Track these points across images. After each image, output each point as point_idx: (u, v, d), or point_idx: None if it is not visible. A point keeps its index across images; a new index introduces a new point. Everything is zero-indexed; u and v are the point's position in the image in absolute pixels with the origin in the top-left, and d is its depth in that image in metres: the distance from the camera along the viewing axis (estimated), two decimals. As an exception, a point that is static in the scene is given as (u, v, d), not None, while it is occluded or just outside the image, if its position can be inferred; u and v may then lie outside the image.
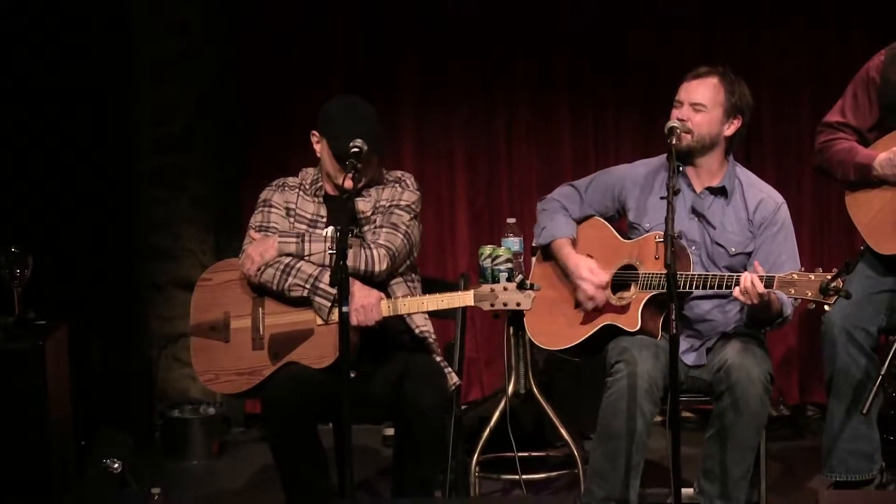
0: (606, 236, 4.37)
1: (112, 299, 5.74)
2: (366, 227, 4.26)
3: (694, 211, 4.29)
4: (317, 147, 4.29)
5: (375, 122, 4.20)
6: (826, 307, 3.87)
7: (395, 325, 4.24)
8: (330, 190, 4.31)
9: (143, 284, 5.91)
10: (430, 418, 4.03)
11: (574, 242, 4.39)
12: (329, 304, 4.09)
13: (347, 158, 4.02)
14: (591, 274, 4.25)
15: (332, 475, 4.19)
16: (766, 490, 4.34)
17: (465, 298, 4.08)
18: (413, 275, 4.34)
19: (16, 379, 4.44)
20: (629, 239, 4.33)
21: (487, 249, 4.64)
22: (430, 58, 5.87)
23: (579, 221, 4.44)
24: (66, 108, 5.59)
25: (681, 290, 4.02)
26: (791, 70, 5.76)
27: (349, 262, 3.88)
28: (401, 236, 4.21)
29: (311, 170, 4.38)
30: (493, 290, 4.03)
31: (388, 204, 4.26)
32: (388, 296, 4.18)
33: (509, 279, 4.37)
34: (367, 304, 4.07)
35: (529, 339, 4.49)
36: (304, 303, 4.15)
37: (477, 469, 4.71)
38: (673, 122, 4.18)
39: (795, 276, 3.90)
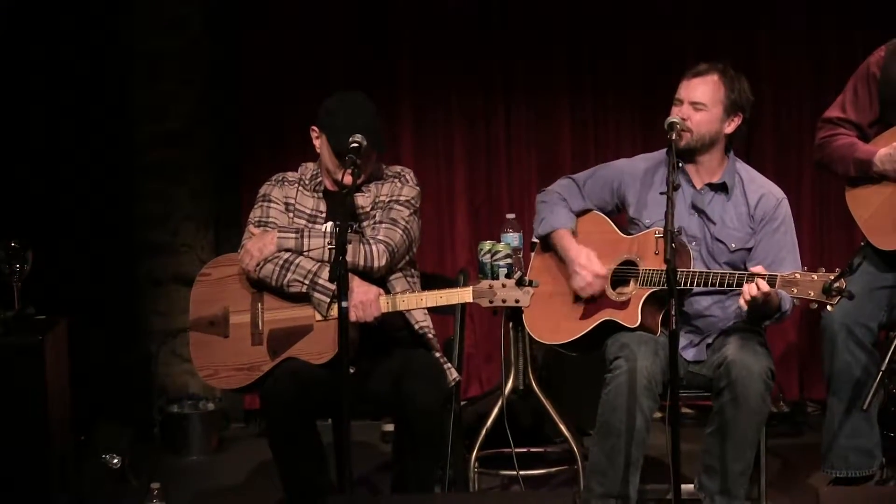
0: (606, 231, 4.36)
1: (111, 295, 5.74)
2: (365, 223, 4.25)
3: (694, 207, 4.28)
4: (316, 142, 4.28)
5: (375, 117, 4.20)
6: (829, 307, 3.86)
7: (395, 321, 4.23)
8: (329, 185, 4.30)
9: (142, 280, 5.91)
10: (430, 414, 4.03)
11: (574, 234, 4.38)
12: (328, 300, 4.09)
13: (347, 154, 4.01)
14: (589, 262, 4.24)
15: (331, 471, 4.19)
16: (765, 486, 4.34)
17: (463, 295, 4.07)
18: (412, 270, 4.34)
19: (15, 374, 4.43)
20: (629, 234, 4.33)
21: (487, 245, 4.63)
22: (429, 53, 5.87)
23: (578, 215, 4.43)
24: (66, 103, 5.59)
25: (681, 287, 4.02)
26: (791, 66, 5.75)
27: (348, 258, 3.88)
28: (400, 232, 4.21)
29: (310, 165, 4.37)
30: (491, 287, 4.03)
31: (388, 199, 4.26)
32: (388, 291, 4.18)
33: (508, 275, 4.36)
34: (366, 301, 4.06)
35: (528, 334, 4.48)
36: (303, 298, 4.14)
37: (476, 465, 4.70)
38: (673, 118, 4.16)
39: (798, 276, 3.89)
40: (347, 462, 3.77)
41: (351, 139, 4.03)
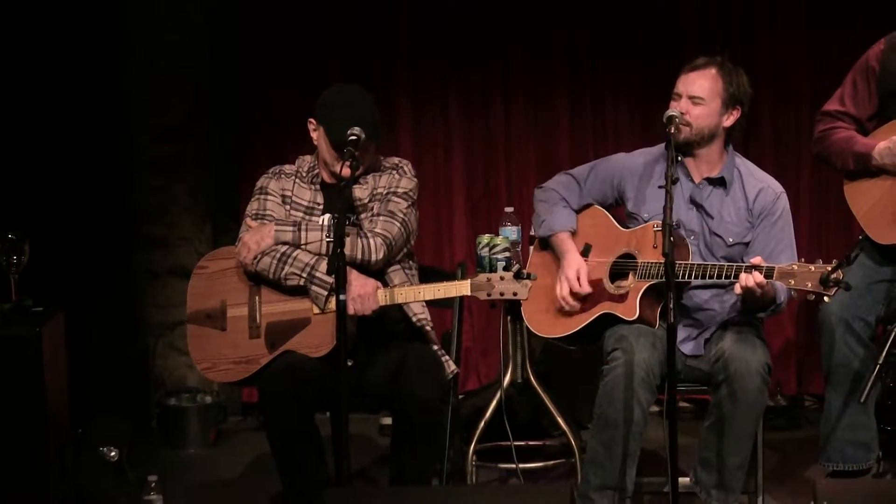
0: (605, 225, 4.37)
1: (109, 287, 5.74)
2: (363, 215, 4.24)
3: (692, 201, 4.28)
4: (314, 135, 4.27)
5: (373, 110, 4.19)
6: (826, 298, 3.86)
7: (393, 314, 4.23)
8: (327, 178, 4.30)
9: (139, 273, 5.91)
10: (428, 407, 4.03)
11: (573, 234, 4.38)
12: (326, 293, 4.08)
13: (345, 146, 4.01)
14: (575, 279, 4.24)
15: (329, 464, 4.18)
16: (762, 480, 4.34)
17: (461, 288, 4.07)
18: (410, 262, 4.33)
19: (12, 366, 4.43)
20: (627, 228, 4.33)
21: (485, 238, 4.62)
22: (427, 46, 5.85)
23: (578, 211, 4.43)
24: (63, 96, 5.58)
25: (679, 279, 4.02)
26: (790, 58, 5.75)
27: (346, 251, 3.88)
28: (398, 224, 4.20)
29: (307, 157, 4.37)
30: (489, 280, 4.02)
31: (386, 191, 4.25)
32: (385, 283, 4.18)
33: (507, 268, 4.36)
34: (363, 294, 4.06)
35: (527, 327, 4.49)
36: (300, 291, 4.14)
37: (474, 458, 4.71)
38: (672, 112, 4.16)
39: (795, 268, 3.89)
40: (345, 455, 3.76)
41: (349, 131, 4.02)
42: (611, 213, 4.40)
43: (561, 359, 5.24)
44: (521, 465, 4.71)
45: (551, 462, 4.94)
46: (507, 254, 4.58)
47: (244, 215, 4.31)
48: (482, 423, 4.70)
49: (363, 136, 4.03)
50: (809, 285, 3.85)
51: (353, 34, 5.83)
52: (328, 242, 4.10)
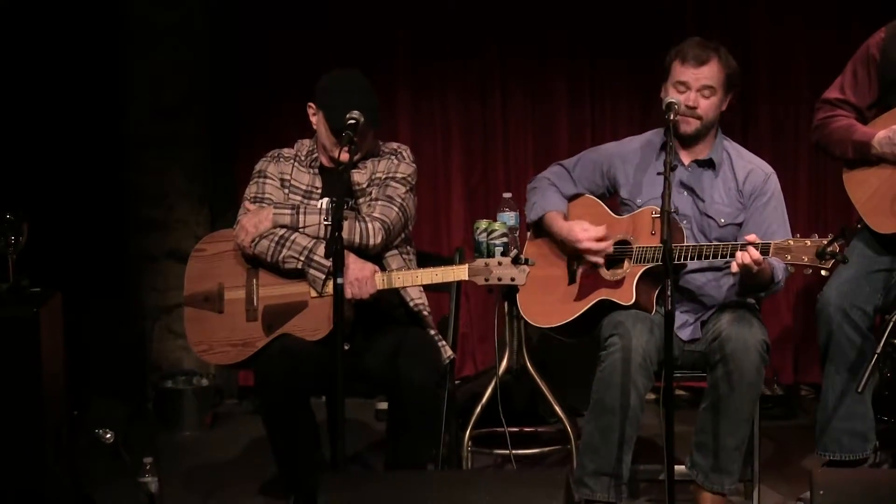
0: (599, 213, 4.35)
1: (106, 270, 5.73)
2: (361, 200, 4.24)
3: (682, 184, 4.28)
4: (313, 119, 4.26)
5: (372, 95, 4.18)
6: (823, 272, 3.85)
7: (390, 299, 4.22)
8: (325, 161, 4.29)
9: (136, 255, 5.90)
10: (424, 392, 4.03)
11: (565, 217, 4.36)
12: (323, 277, 4.08)
13: (344, 130, 4.00)
14: (586, 231, 4.23)
15: (324, 448, 4.18)
16: (759, 469, 4.34)
17: (459, 272, 4.06)
18: (408, 247, 4.33)
19: (9, 346, 4.42)
20: (620, 216, 4.32)
21: (483, 224, 4.62)
22: (426, 32, 5.85)
23: (570, 199, 4.42)
24: (60, 78, 5.56)
25: (676, 262, 4.01)
26: (788, 45, 5.74)
27: (344, 235, 3.87)
28: (396, 209, 4.20)
29: (306, 141, 4.36)
30: (487, 265, 4.02)
31: (384, 176, 4.25)
32: (383, 268, 4.17)
33: (504, 253, 4.36)
34: (361, 278, 4.06)
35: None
36: (298, 275, 4.13)
37: (469, 444, 4.71)
38: (671, 98, 4.14)
39: (791, 243, 3.89)
40: (341, 439, 3.76)
41: (348, 116, 4.02)
42: (604, 202, 4.39)
43: (557, 345, 5.23)
44: (516, 452, 4.70)
45: (546, 449, 4.95)
46: (504, 239, 4.57)
47: (242, 198, 4.30)
48: (478, 409, 4.70)
49: (362, 120, 4.02)
50: (806, 259, 3.85)
51: (353, 18, 5.81)
52: (326, 226, 4.10)
